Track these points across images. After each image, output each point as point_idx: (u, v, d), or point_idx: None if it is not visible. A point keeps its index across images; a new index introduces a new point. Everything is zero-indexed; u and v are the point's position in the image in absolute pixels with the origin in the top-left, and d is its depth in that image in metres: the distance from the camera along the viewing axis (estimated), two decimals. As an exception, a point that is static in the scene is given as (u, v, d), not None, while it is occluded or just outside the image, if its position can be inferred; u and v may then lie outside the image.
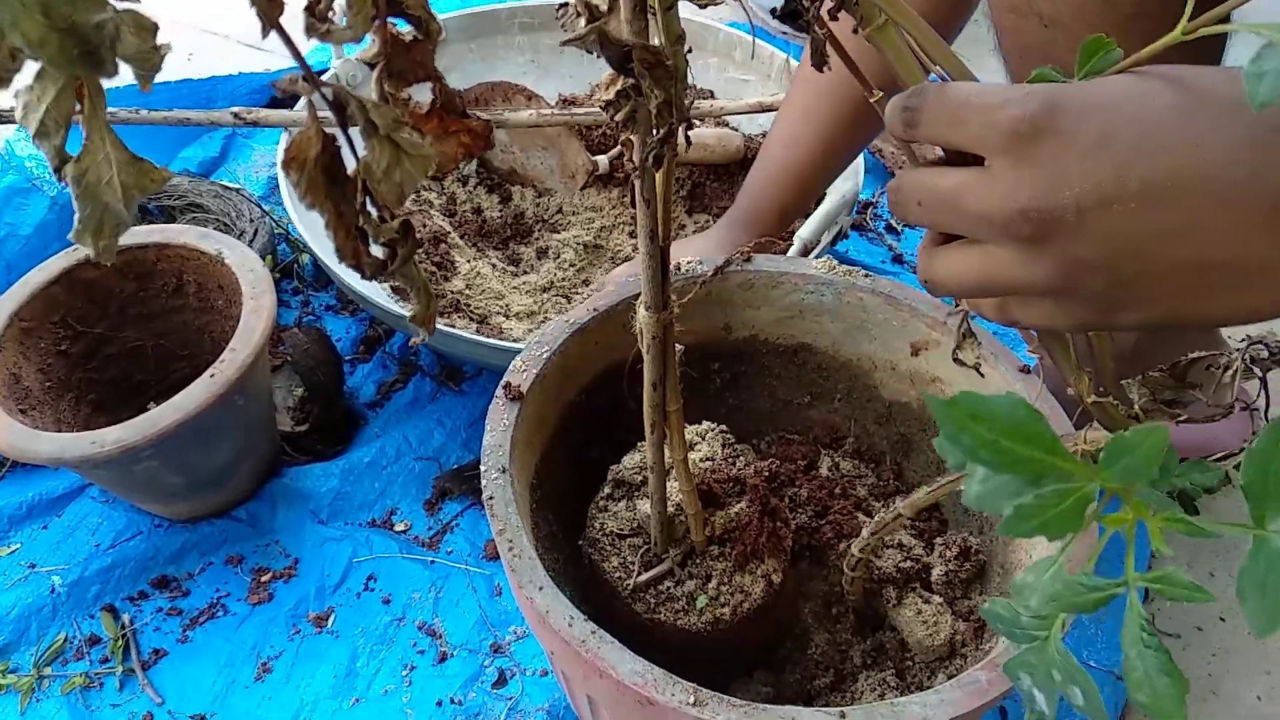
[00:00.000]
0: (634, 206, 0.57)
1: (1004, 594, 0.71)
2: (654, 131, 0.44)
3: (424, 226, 1.12)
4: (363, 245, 0.33)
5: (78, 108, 0.29)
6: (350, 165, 0.31)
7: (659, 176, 0.48)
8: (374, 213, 0.33)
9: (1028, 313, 0.42)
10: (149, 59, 0.28)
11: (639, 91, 0.43)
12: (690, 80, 0.46)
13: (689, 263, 0.78)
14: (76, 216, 0.30)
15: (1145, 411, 0.47)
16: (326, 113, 0.31)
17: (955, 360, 0.65)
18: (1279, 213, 0.34)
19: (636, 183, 0.48)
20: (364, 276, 0.34)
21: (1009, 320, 0.43)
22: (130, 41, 0.27)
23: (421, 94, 0.33)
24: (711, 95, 1.33)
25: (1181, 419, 0.46)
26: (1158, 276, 0.37)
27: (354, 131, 0.31)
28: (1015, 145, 0.37)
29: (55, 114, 0.28)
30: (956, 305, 0.54)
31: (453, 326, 1.01)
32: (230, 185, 1.23)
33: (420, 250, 1.10)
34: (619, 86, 0.44)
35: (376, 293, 0.97)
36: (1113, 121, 0.36)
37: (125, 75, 0.28)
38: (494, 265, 1.16)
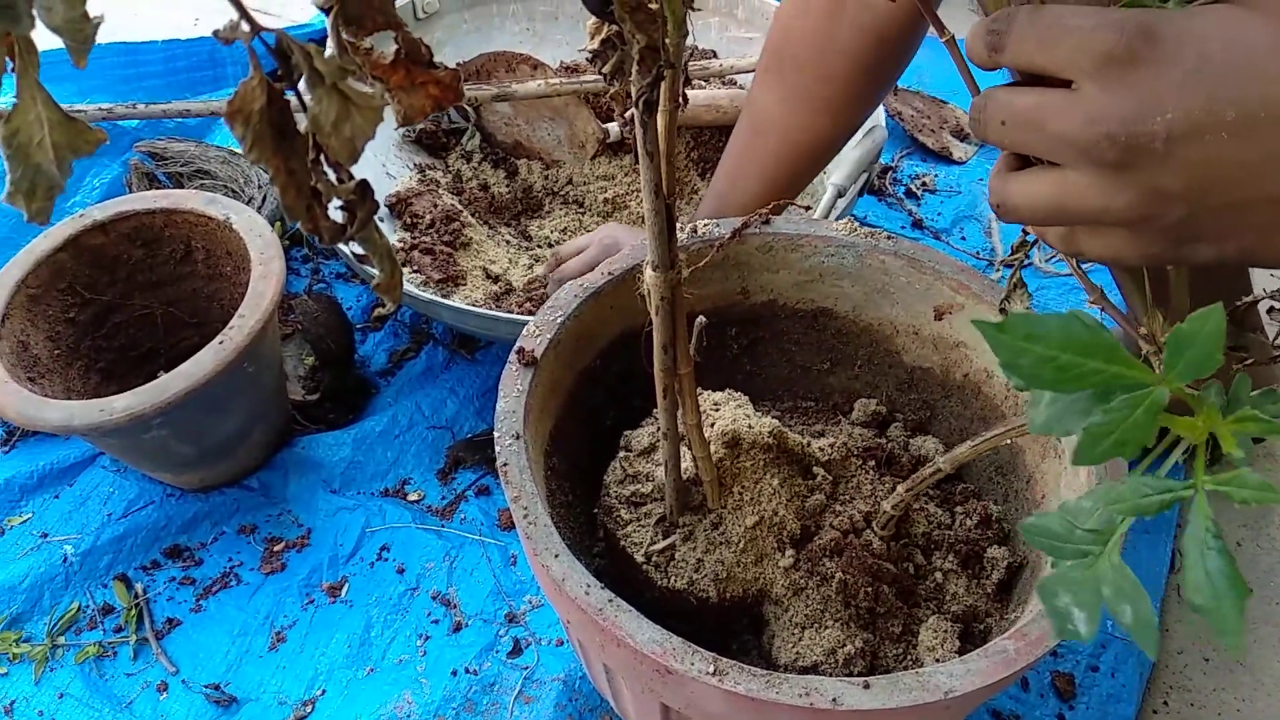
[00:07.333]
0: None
1: (1028, 563, 0.69)
2: (643, 79, 0.42)
3: (435, 206, 1.10)
4: (319, 207, 0.31)
5: (10, 66, 0.27)
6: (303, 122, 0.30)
7: (661, 128, 0.46)
8: (330, 174, 0.31)
9: (1096, 243, 0.41)
10: (80, 29, 0.27)
11: (623, 40, 0.41)
12: (691, 39, 0.44)
13: (705, 225, 0.76)
14: (8, 178, 0.29)
15: None
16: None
17: (1002, 311, 0.63)
18: None
19: (638, 135, 0.46)
20: (321, 241, 0.33)
21: (1074, 250, 0.42)
22: (59, 10, 0.26)
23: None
24: (714, 55, 1.30)
25: (1248, 361, 0.45)
26: (1240, 209, 0.37)
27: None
28: (1108, 69, 0.36)
29: (-18, 70, 0.27)
30: (1012, 252, 0.53)
31: (465, 300, 1.00)
32: (238, 151, 1.21)
33: (432, 230, 1.08)
34: (603, 35, 0.42)
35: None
36: (1210, 50, 0.36)
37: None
38: (508, 242, 1.15)
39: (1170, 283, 0.45)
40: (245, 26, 0.27)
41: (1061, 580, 0.34)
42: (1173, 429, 0.32)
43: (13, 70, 0.27)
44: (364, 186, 0.33)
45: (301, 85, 0.30)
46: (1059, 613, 0.34)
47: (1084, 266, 0.51)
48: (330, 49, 0.30)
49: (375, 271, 0.36)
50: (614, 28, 0.41)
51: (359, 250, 0.33)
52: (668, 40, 0.42)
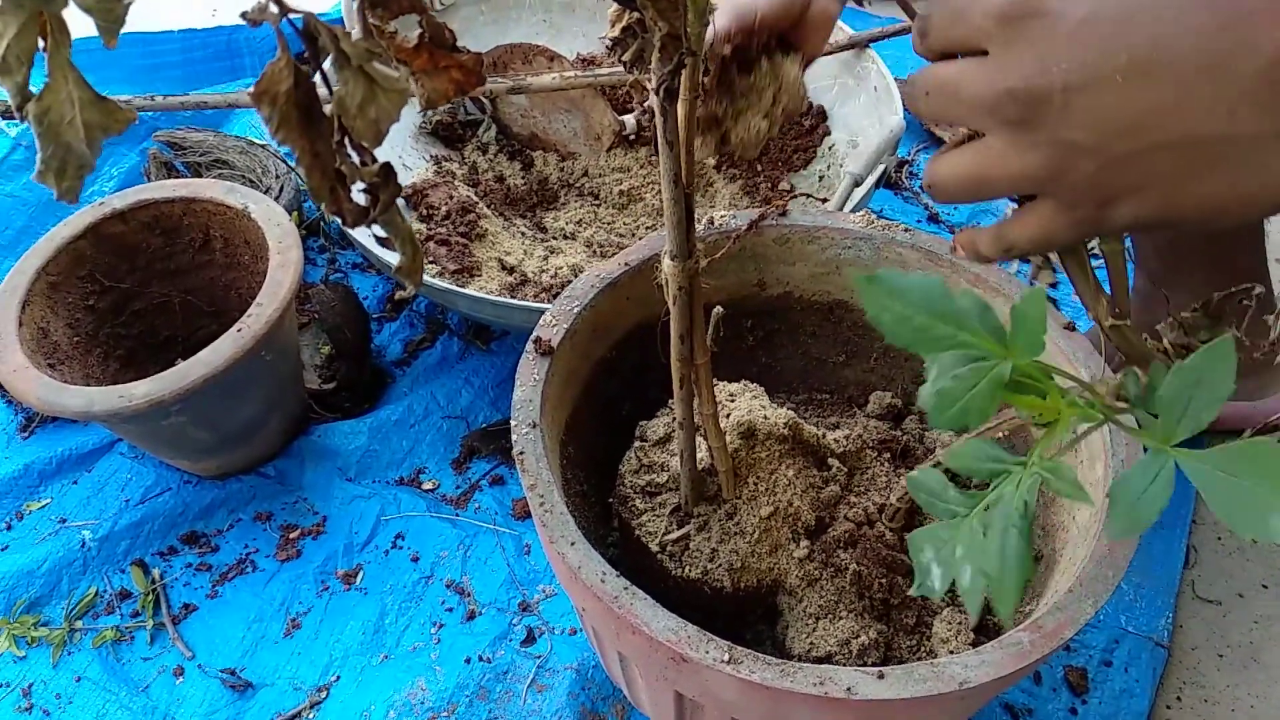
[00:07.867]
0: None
1: (1043, 556, 0.69)
2: (664, 67, 0.43)
3: (450, 197, 1.11)
4: (343, 190, 0.32)
5: (42, 45, 0.28)
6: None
7: (681, 117, 0.46)
8: (354, 157, 0.32)
9: (1023, 229, 0.41)
10: (111, 9, 0.27)
11: (644, 28, 0.41)
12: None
13: (722, 217, 0.76)
14: (39, 156, 0.30)
15: (1182, 349, 0.45)
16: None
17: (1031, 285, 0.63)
18: (1263, 83, 0.34)
19: (658, 123, 0.46)
20: (345, 223, 0.33)
21: (1007, 247, 0.42)
22: None
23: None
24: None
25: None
26: (1148, 155, 0.36)
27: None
28: (1006, 28, 0.37)
29: (17, 50, 0.27)
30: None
31: (481, 290, 1.00)
32: (256, 141, 1.22)
33: (448, 221, 1.09)
34: (624, 23, 0.42)
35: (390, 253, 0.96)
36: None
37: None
38: (523, 233, 1.15)
39: (1110, 268, 0.45)
40: (274, 8, 0.27)
41: (929, 535, 0.36)
42: (1016, 406, 0.33)
43: (44, 49, 0.28)
44: (387, 169, 0.33)
45: (327, 67, 0.30)
46: (922, 568, 0.35)
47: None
48: (356, 32, 0.30)
49: (396, 255, 0.36)
50: (635, 15, 0.42)
51: (380, 234, 0.34)
52: (689, 28, 0.42)
